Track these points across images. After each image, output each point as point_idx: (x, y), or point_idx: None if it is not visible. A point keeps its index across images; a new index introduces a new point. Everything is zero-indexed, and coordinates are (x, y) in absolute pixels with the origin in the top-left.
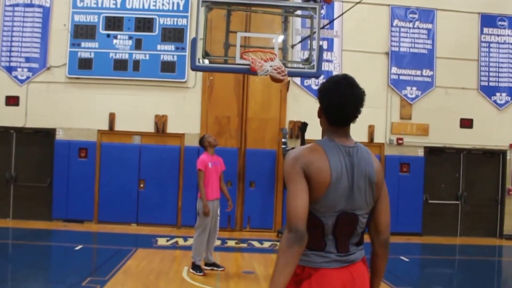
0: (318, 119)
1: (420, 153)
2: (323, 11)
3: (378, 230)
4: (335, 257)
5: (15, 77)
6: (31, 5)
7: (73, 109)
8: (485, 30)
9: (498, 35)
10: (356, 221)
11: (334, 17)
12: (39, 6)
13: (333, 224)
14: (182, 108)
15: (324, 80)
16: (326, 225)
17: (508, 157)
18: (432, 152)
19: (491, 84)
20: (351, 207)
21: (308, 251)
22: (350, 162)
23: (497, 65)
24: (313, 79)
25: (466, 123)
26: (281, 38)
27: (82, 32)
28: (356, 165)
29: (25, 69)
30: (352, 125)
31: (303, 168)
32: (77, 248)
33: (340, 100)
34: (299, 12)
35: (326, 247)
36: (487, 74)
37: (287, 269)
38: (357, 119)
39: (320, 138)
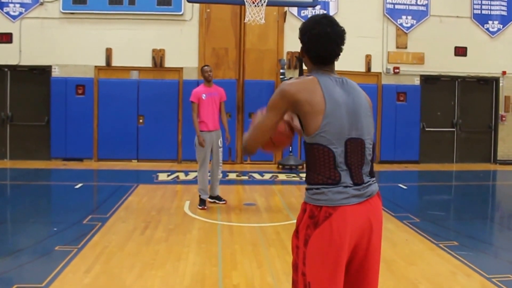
0: None
1: (416, 81)
2: None
3: None
4: (353, 191)
5: (7, 13)
6: None
7: (68, 46)
8: None
9: None
10: (363, 147)
11: None
12: None
13: (343, 151)
14: (179, 42)
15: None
16: (336, 153)
17: (501, 84)
18: (427, 80)
19: (483, 12)
20: (356, 132)
21: (322, 188)
22: (344, 89)
23: None
24: (310, 9)
25: (460, 51)
26: None
27: None
28: (351, 92)
29: (17, 5)
30: (349, 55)
31: (293, 102)
32: (77, 186)
33: (321, 39)
34: None
35: (341, 179)
36: (479, 2)
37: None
38: (339, 57)
39: None
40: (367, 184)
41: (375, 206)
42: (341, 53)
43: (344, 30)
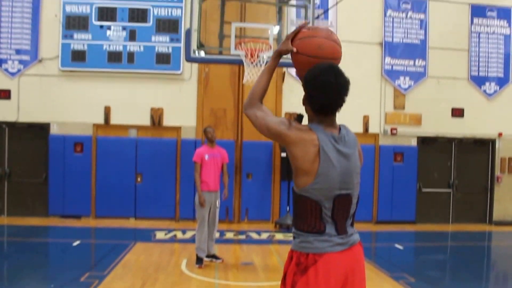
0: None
1: (413, 142)
2: (317, 1)
3: None
4: (338, 240)
5: (6, 70)
6: None
7: (67, 103)
8: (475, 20)
9: (487, 26)
10: (350, 202)
11: (328, 7)
12: None
13: (331, 207)
14: (178, 100)
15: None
16: (323, 207)
17: (497, 146)
18: (425, 141)
19: (480, 74)
20: (345, 190)
21: (309, 237)
22: (342, 148)
23: (486, 55)
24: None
25: (457, 113)
26: (276, 28)
27: (74, 23)
28: (348, 151)
29: (16, 62)
30: (347, 115)
31: (293, 137)
32: (74, 244)
33: (324, 88)
34: (293, 2)
35: (326, 229)
36: (477, 64)
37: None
38: (341, 108)
39: None
40: (350, 234)
41: (358, 254)
42: (343, 104)
43: (348, 80)
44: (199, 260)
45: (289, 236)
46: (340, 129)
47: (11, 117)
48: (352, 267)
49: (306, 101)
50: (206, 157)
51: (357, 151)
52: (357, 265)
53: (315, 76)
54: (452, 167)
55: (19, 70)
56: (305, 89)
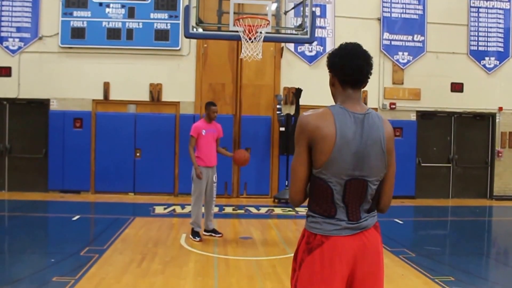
0: (330, 89)
1: (413, 117)
2: None
3: (379, 200)
4: (346, 225)
5: (7, 47)
6: None
7: (66, 79)
8: None
9: (486, 0)
10: (365, 187)
11: None
12: None
13: (342, 190)
14: (176, 76)
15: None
16: (334, 191)
17: (497, 120)
18: (424, 116)
19: (480, 48)
20: (360, 173)
21: (319, 218)
22: (360, 128)
23: (486, 30)
24: (306, 46)
25: (457, 87)
26: (274, 5)
27: (74, 1)
28: (367, 132)
29: (17, 39)
30: None
31: (309, 136)
32: (74, 218)
33: (353, 55)
34: None
35: (336, 214)
36: (476, 39)
37: None
38: (368, 81)
39: (320, 104)
40: (363, 219)
41: (370, 238)
42: (369, 78)
43: (370, 55)
44: (196, 234)
45: (288, 211)
46: (367, 109)
47: (11, 94)
48: (362, 251)
49: (334, 77)
50: (204, 132)
51: (381, 136)
52: (368, 249)
53: (341, 48)
54: (452, 142)
55: (19, 48)
56: (332, 63)
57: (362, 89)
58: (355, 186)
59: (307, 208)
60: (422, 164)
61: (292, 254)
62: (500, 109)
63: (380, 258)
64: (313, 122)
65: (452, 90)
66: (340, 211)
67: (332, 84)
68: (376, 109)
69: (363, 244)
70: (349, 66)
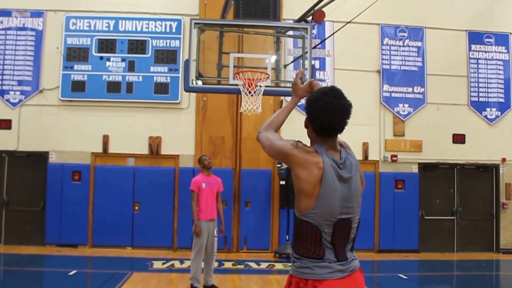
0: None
1: (414, 169)
2: (314, 31)
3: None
4: (338, 267)
5: (7, 100)
6: (23, 29)
7: (66, 132)
8: (473, 47)
9: (485, 52)
10: (350, 226)
11: (326, 37)
12: (31, 29)
13: (331, 231)
14: (176, 129)
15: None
16: (323, 233)
17: (501, 171)
18: (426, 168)
19: (481, 99)
20: (346, 214)
21: (308, 262)
22: (344, 171)
23: (486, 81)
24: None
25: (459, 139)
26: (273, 58)
27: (75, 54)
28: (350, 174)
29: (18, 92)
30: (347, 142)
31: (299, 157)
32: (71, 273)
33: (327, 109)
34: (291, 32)
35: (325, 255)
36: (476, 90)
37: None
38: (343, 130)
39: None
40: (350, 260)
41: (358, 280)
42: (345, 127)
43: (350, 104)
44: None
45: (289, 266)
46: (341, 152)
47: (11, 146)
48: None
49: (308, 123)
50: (203, 185)
51: (358, 175)
52: None
53: (318, 98)
54: (455, 194)
55: (20, 101)
56: (307, 111)
57: (363, 141)
58: (342, 226)
59: (292, 254)
60: (425, 217)
61: None
62: (504, 160)
63: None
64: (306, 156)
65: (454, 142)
66: (328, 252)
67: (306, 127)
68: (377, 162)
69: (355, 287)
70: (322, 121)
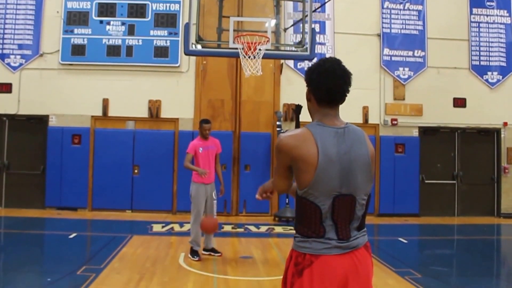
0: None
1: (415, 133)
2: None
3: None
4: (336, 243)
5: (8, 64)
6: None
7: (66, 96)
8: (474, 10)
9: (487, 15)
10: (354, 203)
11: (326, 0)
12: None
13: (330, 207)
14: (175, 93)
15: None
16: (323, 209)
17: (502, 136)
18: (426, 132)
19: (482, 63)
20: (347, 189)
21: (308, 238)
22: (342, 143)
23: (488, 45)
24: (306, 62)
25: (460, 103)
26: (273, 22)
27: (75, 18)
28: (349, 146)
29: (18, 56)
30: (346, 106)
31: (288, 158)
32: (71, 236)
33: (331, 74)
34: None
35: (326, 234)
36: (478, 54)
37: None
38: (345, 98)
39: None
40: (353, 238)
41: (360, 257)
42: (347, 95)
43: (350, 72)
44: (195, 253)
45: (289, 229)
46: (345, 125)
47: (11, 110)
48: (354, 271)
49: (310, 93)
50: (200, 150)
51: (364, 150)
52: (359, 269)
53: (320, 64)
54: (456, 158)
55: (20, 64)
56: (310, 79)
57: (363, 105)
58: (344, 202)
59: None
60: (426, 181)
61: None
62: (505, 124)
63: (370, 282)
64: (292, 143)
65: (454, 106)
66: (329, 230)
67: (308, 100)
68: (377, 125)
69: (354, 266)
70: (326, 85)
